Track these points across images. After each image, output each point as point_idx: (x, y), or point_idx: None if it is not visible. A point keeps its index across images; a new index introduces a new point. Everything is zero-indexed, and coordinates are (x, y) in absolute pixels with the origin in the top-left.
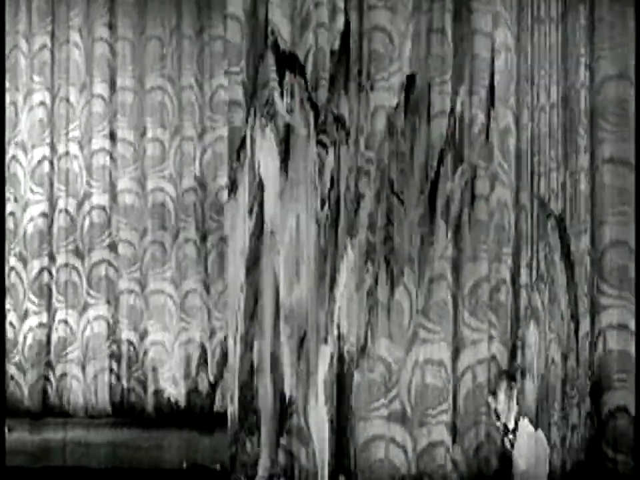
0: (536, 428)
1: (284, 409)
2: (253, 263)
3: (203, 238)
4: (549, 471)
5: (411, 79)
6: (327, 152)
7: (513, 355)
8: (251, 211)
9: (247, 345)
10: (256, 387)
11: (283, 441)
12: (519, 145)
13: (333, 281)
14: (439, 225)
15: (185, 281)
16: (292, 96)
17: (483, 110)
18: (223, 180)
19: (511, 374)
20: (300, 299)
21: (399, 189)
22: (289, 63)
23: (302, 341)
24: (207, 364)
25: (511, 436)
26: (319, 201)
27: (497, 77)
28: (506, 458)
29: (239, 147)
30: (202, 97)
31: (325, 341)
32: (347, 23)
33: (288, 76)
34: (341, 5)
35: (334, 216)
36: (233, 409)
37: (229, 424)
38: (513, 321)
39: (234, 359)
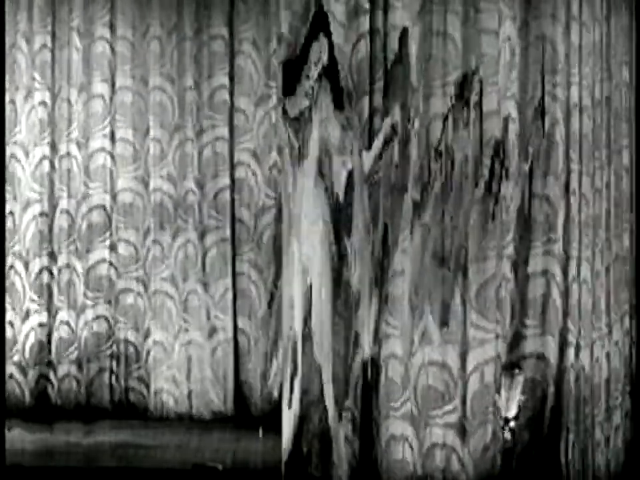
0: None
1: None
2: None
3: (203, 237)
4: (592, 470)
5: (465, 79)
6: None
7: (512, 348)
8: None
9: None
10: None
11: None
12: (566, 144)
13: (381, 287)
14: (496, 225)
15: (185, 281)
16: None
17: (534, 111)
18: (223, 179)
19: (513, 365)
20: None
21: (453, 193)
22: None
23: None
24: (207, 364)
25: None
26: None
27: (546, 79)
28: (509, 454)
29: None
30: (202, 96)
31: (375, 342)
32: (404, 30)
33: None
34: (401, 9)
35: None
36: (292, 413)
37: (287, 427)
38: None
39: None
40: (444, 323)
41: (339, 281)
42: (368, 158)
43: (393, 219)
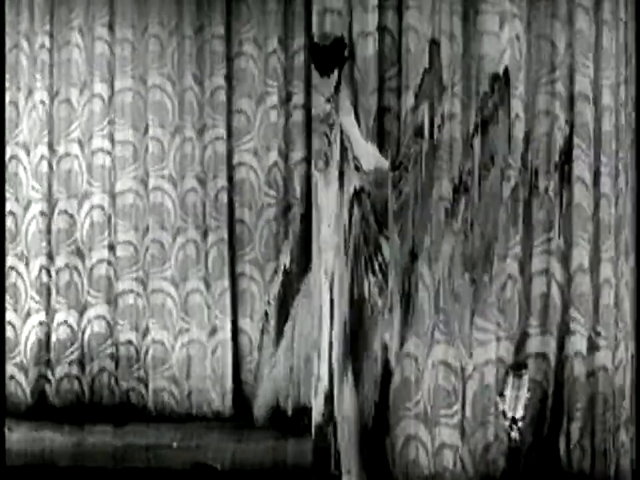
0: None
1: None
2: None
3: (204, 237)
4: (616, 471)
5: (495, 78)
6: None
7: (518, 349)
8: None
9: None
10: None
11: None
12: (593, 144)
13: (408, 294)
14: (518, 224)
15: (185, 281)
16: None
17: (562, 110)
18: (223, 179)
19: (519, 365)
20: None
21: (484, 197)
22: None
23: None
24: (206, 363)
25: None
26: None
27: (575, 79)
28: (513, 456)
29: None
30: (202, 96)
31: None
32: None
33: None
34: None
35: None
36: (316, 416)
37: (312, 429)
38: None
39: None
40: (471, 333)
41: (362, 287)
42: (394, 161)
43: (420, 225)
